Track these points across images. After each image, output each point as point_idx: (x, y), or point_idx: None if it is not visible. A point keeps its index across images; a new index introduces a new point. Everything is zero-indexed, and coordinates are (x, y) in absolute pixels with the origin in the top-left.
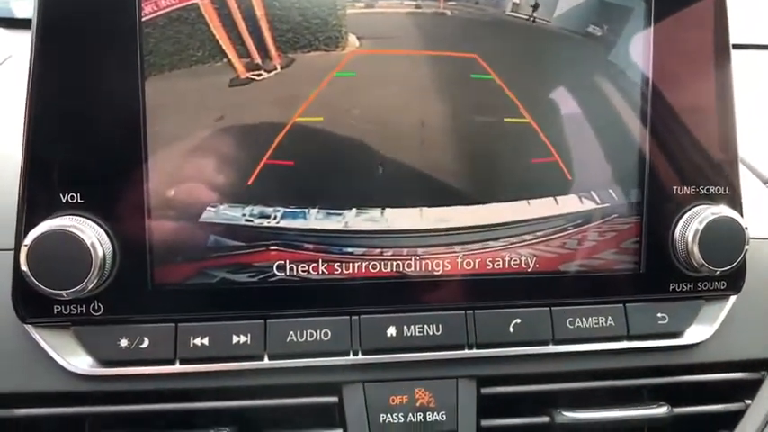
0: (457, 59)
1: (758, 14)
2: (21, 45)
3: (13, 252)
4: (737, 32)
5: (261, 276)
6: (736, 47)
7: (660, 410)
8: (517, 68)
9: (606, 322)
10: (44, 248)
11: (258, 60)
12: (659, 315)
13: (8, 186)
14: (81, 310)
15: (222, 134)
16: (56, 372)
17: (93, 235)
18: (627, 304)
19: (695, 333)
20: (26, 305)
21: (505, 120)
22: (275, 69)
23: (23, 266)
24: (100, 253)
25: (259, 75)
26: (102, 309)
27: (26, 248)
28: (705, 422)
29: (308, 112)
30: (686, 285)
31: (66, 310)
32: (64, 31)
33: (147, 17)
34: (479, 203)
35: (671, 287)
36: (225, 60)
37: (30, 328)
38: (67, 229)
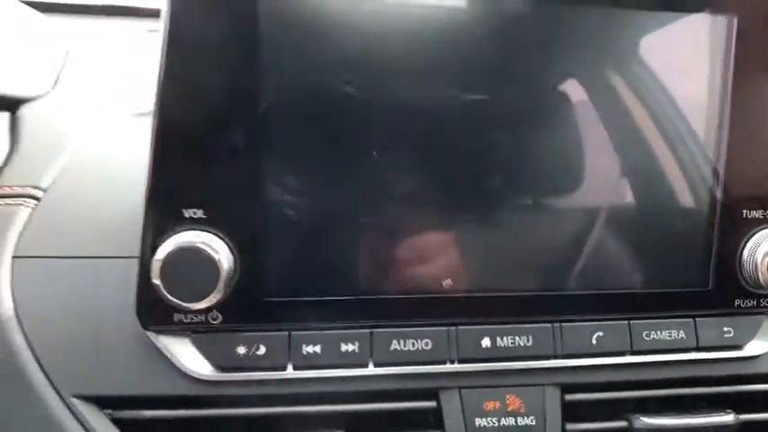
0: None
1: None
2: (75, 34)
3: (127, 260)
4: None
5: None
6: None
7: (727, 418)
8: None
9: (678, 335)
10: (176, 263)
11: None
12: (725, 329)
13: (120, 196)
14: (201, 320)
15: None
16: (176, 376)
17: (220, 250)
18: (696, 319)
19: (756, 346)
20: (150, 314)
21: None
22: None
23: (156, 280)
24: (225, 267)
25: None
26: (220, 318)
27: (159, 263)
28: (764, 429)
29: None
30: (750, 302)
31: (186, 319)
32: (189, 51)
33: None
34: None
35: (736, 303)
36: None
37: (151, 334)
38: (199, 245)
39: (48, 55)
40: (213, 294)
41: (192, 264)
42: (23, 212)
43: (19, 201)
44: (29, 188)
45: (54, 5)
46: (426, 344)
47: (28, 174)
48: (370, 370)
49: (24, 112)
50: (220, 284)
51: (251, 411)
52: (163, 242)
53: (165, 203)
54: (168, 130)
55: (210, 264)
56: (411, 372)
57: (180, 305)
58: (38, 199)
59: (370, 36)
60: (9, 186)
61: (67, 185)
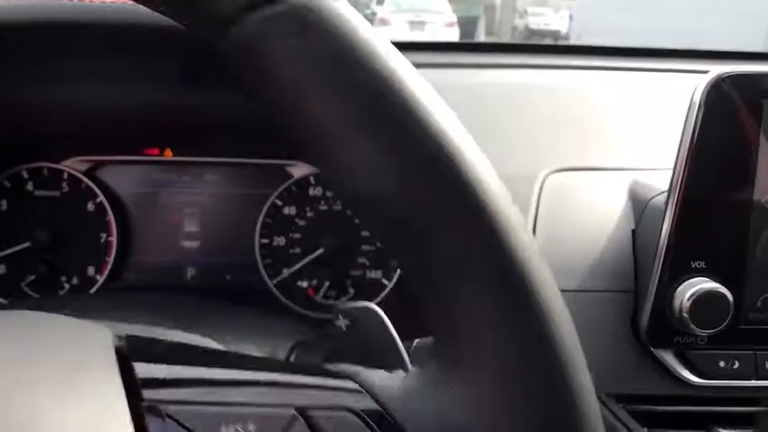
0: None
1: None
2: None
3: (614, 294)
4: None
5: None
6: None
7: None
8: None
9: None
10: (702, 304)
11: None
12: None
13: (593, 240)
14: (692, 341)
15: None
16: (671, 380)
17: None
18: None
19: None
20: (658, 336)
21: None
22: None
23: (685, 314)
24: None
25: None
26: (705, 339)
27: (689, 303)
28: None
29: None
30: None
31: (683, 340)
32: (712, 141)
33: None
34: None
35: None
36: None
37: (654, 350)
38: (721, 290)
39: None
40: (722, 326)
41: (713, 304)
42: None
43: None
44: None
45: None
46: None
47: None
48: None
49: None
50: (729, 319)
51: (729, 410)
52: (678, 286)
53: (678, 257)
54: (688, 201)
55: (727, 303)
56: None
57: (694, 332)
58: None
59: None
60: None
61: (549, 229)
